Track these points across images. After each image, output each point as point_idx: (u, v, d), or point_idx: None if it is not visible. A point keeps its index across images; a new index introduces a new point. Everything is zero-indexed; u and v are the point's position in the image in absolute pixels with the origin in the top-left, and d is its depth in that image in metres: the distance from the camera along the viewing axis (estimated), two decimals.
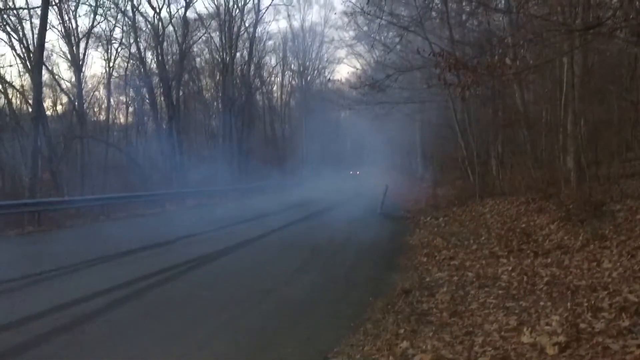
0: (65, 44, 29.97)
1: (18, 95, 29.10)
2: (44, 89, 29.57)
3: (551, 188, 12.12)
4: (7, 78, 30.31)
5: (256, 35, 41.78)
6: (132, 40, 33.09)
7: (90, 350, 5.07)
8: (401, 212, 19.04)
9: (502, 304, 5.92)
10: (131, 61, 34.64)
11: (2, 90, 26.17)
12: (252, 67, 42.90)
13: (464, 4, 16.66)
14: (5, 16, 24.49)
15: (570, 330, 4.38)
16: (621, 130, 12.31)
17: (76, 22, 30.28)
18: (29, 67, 24.73)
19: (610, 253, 7.02)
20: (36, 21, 23.38)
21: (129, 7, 31.70)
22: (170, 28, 35.20)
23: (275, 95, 54.96)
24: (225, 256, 10.26)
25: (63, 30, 29.13)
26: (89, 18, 35.87)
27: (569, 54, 10.82)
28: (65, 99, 33.47)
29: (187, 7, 34.71)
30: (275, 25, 64.05)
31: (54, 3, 26.06)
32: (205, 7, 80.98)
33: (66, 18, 29.08)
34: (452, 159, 23.42)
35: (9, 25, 24.97)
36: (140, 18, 33.17)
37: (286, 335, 5.51)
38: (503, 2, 14.71)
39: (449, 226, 13.39)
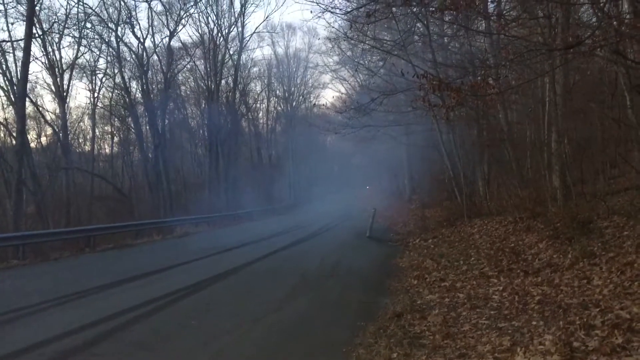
0: (49, 76, 30.03)
1: (2, 128, 29.01)
2: (28, 121, 29.51)
3: (538, 207, 12.18)
4: None
5: (241, 62, 42.15)
6: (116, 71, 33.26)
7: None
8: (390, 235, 19.02)
9: (494, 324, 5.89)
10: (116, 91, 34.77)
11: None
12: (238, 94, 43.11)
13: (445, 27, 16.91)
14: None
15: (564, 349, 4.35)
16: (605, 147, 12.44)
17: (60, 53, 30.18)
18: (13, 99, 24.64)
19: (600, 270, 7.03)
20: (19, 53, 23.41)
21: (112, 38, 31.98)
22: (155, 57, 35.52)
23: (261, 121, 55.32)
24: (215, 284, 10.12)
25: (47, 62, 29.20)
26: (73, 49, 35.79)
27: (550, 74, 10.99)
28: (49, 131, 33.46)
29: (171, 36, 35.09)
30: (259, 52, 64.88)
31: (37, 35, 26.14)
32: (190, 36, 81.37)
33: (50, 50, 29.20)
34: (439, 180, 23.56)
35: None
36: (125, 48, 33.39)
37: None
38: (484, 24, 14.93)
39: (439, 247, 13.37)
